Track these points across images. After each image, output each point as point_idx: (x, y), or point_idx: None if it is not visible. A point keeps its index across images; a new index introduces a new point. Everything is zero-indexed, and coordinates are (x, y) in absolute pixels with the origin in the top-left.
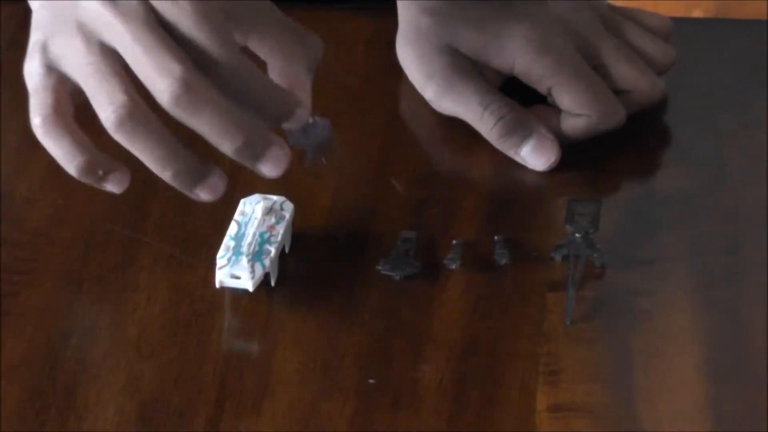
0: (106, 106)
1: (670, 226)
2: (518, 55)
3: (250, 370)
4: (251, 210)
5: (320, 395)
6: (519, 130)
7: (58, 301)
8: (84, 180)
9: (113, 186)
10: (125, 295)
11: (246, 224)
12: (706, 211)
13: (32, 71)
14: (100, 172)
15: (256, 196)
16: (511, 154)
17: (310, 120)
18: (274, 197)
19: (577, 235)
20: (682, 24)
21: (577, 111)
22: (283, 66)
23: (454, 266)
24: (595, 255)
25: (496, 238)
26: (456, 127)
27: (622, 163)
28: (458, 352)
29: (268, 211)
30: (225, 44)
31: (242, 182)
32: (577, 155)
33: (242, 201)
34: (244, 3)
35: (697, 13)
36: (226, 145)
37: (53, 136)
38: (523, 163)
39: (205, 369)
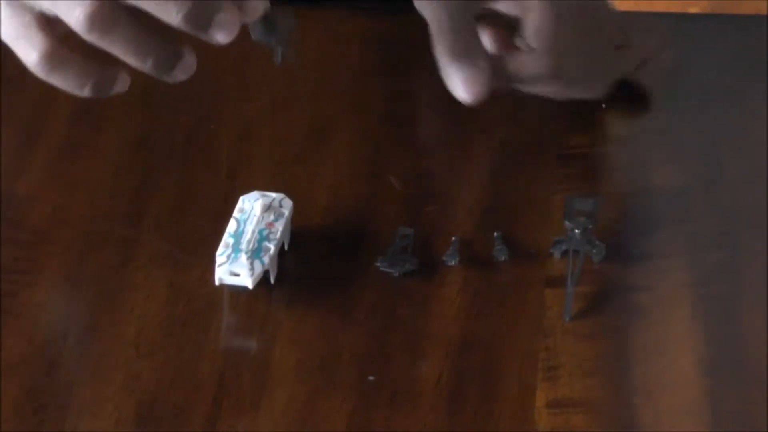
0: (74, 7)
1: (668, 222)
2: None
3: (248, 368)
4: (250, 207)
5: (318, 393)
6: (466, 52)
7: (56, 300)
8: (97, 96)
9: (120, 88)
10: (123, 293)
11: (245, 221)
12: (704, 206)
13: (3, 20)
14: (109, 83)
15: (254, 194)
16: (446, 75)
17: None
18: (273, 194)
19: (576, 231)
20: (679, 20)
21: (533, 40)
22: None
23: (452, 263)
24: (593, 251)
25: (495, 234)
26: (453, 124)
27: (620, 158)
28: (457, 349)
29: (267, 208)
30: None
31: (241, 180)
32: (575, 151)
33: (241, 198)
34: None
35: (693, 11)
36: (172, 14)
37: (59, 67)
38: (452, 91)
39: (203, 367)
